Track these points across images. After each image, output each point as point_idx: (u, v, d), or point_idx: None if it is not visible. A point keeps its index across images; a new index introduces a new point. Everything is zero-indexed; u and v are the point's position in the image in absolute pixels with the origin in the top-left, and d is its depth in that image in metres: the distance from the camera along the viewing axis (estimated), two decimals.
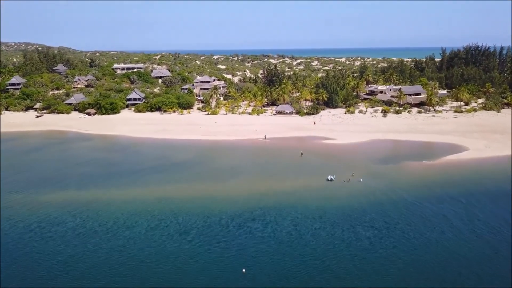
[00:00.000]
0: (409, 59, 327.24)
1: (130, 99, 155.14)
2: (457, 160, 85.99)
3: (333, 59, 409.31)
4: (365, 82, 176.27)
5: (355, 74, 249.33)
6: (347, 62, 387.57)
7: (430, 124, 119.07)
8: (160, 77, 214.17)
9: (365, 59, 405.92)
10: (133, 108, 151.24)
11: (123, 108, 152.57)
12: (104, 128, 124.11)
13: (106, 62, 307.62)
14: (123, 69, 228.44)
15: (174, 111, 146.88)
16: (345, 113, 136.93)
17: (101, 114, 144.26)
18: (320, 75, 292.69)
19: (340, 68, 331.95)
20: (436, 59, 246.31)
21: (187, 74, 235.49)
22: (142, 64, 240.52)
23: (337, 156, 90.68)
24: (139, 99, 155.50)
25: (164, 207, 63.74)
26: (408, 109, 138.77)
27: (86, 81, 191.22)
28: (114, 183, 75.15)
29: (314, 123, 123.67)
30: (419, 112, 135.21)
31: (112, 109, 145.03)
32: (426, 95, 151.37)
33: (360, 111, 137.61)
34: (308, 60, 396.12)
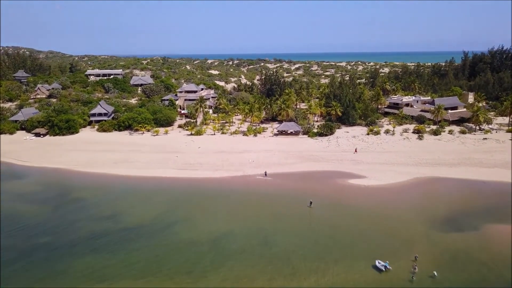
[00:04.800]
0: (413, 63, 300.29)
1: (94, 115, 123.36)
2: None
3: (333, 63, 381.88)
4: (381, 92, 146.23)
5: (363, 81, 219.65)
6: (349, 67, 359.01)
7: (486, 152, 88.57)
8: (141, 84, 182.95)
9: (367, 63, 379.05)
10: (96, 126, 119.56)
11: (85, 126, 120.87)
12: (48, 156, 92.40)
13: (91, 67, 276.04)
14: (98, 75, 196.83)
15: (148, 130, 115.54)
16: (368, 133, 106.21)
17: (54, 135, 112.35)
18: (322, 81, 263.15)
19: (343, 73, 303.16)
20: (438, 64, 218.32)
21: (173, 81, 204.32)
22: (120, 70, 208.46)
23: (376, 213, 59.58)
24: (105, 114, 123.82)
25: None
26: (448, 128, 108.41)
27: (48, 90, 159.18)
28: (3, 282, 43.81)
29: (356, 151, 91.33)
30: (462, 132, 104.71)
31: (68, 128, 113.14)
32: (465, 109, 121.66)
33: (387, 131, 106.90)
34: (307, 65, 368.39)
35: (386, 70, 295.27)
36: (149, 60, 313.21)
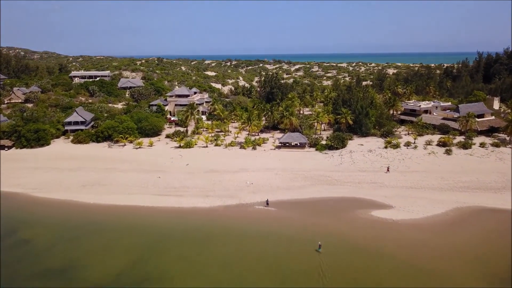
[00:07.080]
0: (416, 64, 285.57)
1: (69, 123, 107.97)
2: None
3: (334, 64, 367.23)
4: (395, 97, 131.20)
5: (368, 83, 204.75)
6: (350, 68, 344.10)
7: None
8: (129, 87, 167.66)
9: (368, 64, 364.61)
10: (71, 137, 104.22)
11: (58, 137, 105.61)
12: (7, 176, 76.85)
13: (83, 68, 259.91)
14: (83, 77, 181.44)
15: (130, 142, 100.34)
16: (385, 146, 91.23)
17: (21, 147, 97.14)
18: (325, 83, 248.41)
19: (345, 74, 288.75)
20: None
21: (166, 83, 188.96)
22: (108, 72, 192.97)
23: (415, 266, 44.39)
24: (83, 122, 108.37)
25: None
26: (477, 139, 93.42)
27: (24, 94, 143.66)
28: None
29: (388, 170, 75.73)
30: (496, 145, 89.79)
31: (38, 140, 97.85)
32: (493, 116, 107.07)
33: (407, 144, 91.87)
34: (308, 66, 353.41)
35: (390, 71, 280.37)
36: (143, 61, 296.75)
